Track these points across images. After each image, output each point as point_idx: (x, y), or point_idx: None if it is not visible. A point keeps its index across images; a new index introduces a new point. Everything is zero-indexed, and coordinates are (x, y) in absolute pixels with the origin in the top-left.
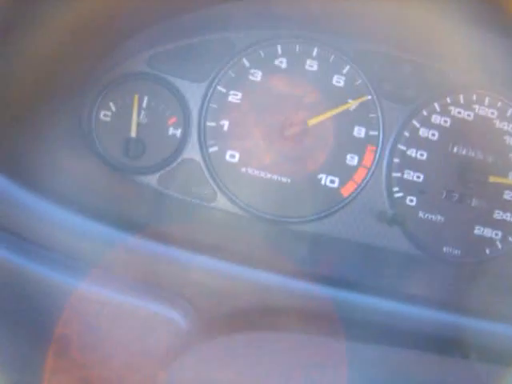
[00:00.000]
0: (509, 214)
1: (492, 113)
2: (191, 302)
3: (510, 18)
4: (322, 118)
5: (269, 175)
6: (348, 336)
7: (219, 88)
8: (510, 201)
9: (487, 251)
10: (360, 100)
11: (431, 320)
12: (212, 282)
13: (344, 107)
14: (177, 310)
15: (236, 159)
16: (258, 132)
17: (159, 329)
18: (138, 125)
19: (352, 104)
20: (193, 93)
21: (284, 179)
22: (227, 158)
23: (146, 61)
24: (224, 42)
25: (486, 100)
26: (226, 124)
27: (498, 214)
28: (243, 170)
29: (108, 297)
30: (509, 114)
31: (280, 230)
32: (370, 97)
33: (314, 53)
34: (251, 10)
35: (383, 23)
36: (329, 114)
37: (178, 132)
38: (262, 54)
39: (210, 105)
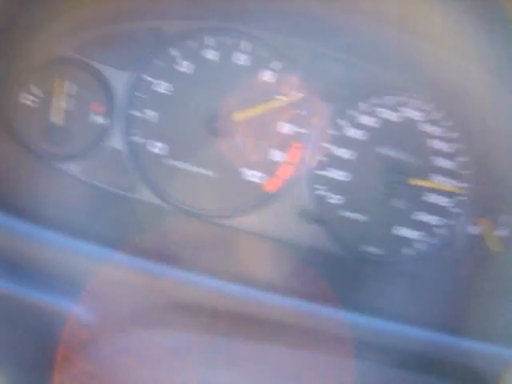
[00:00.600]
0: (429, 216)
1: (417, 115)
2: (97, 297)
3: (436, 24)
4: (248, 113)
5: (192, 168)
6: (252, 336)
7: (146, 77)
8: (430, 202)
9: (406, 251)
10: (290, 98)
11: (344, 320)
12: (120, 276)
13: (272, 104)
14: (82, 304)
15: (160, 150)
16: (183, 124)
17: (62, 323)
18: (62, 111)
19: (280, 101)
20: (119, 81)
21: (208, 172)
22: (151, 148)
23: (73, 46)
24: (152, 30)
25: (412, 102)
26: (151, 114)
27: (418, 215)
28: (167, 161)
29: (8, 290)
30: (434, 117)
31: (202, 223)
32: (298, 93)
33: (243, 46)
34: None
35: (315, 20)
36: (256, 110)
37: (102, 120)
38: (191, 45)
39: (136, 94)
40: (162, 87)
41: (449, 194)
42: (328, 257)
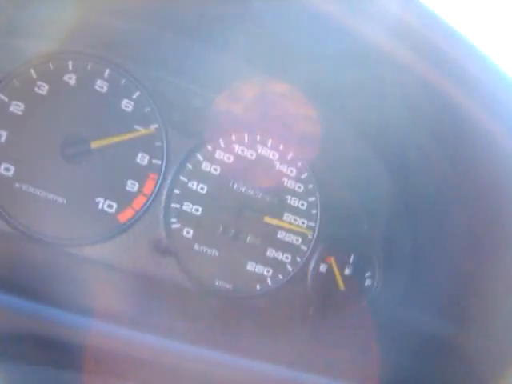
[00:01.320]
0: (280, 253)
1: (273, 154)
2: None
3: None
4: (106, 142)
5: (44, 193)
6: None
7: (1, 96)
8: (282, 240)
9: (258, 287)
10: (148, 131)
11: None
12: None
13: (131, 135)
14: None
15: (11, 173)
16: (37, 147)
17: None
18: None
19: (139, 134)
20: None
21: (60, 199)
22: (1, 170)
23: None
24: (13, 48)
25: (269, 141)
26: (3, 135)
27: (270, 252)
28: (17, 185)
29: None
30: (289, 157)
31: (52, 252)
32: (156, 125)
33: (106, 74)
34: (44, 20)
35: (177, 53)
36: (114, 139)
37: None
38: (52, 67)
39: None
40: (18, 108)
41: (299, 233)
42: (180, 290)
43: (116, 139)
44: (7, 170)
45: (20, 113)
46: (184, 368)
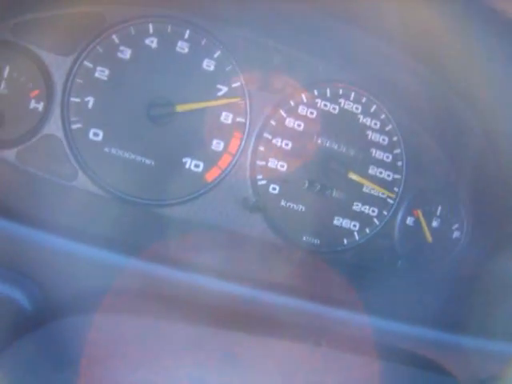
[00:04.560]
0: (367, 207)
1: (356, 108)
2: (37, 282)
3: (378, 18)
4: (192, 106)
5: (132, 156)
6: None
7: (86, 63)
8: (368, 194)
9: (345, 241)
10: (232, 101)
11: (287, 307)
12: (61, 262)
13: (216, 103)
14: (21, 289)
15: (100, 138)
16: (123, 111)
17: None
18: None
19: (225, 101)
20: (58, 66)
21: (148, 161)
22: (90, 136)
23: (11, 29)
24: (94, 15)
25: (352, 95)
26: (90, 101)
27: (356, 206)
28: (106, 149)
29: None
30: (372, 110)
31: (142, 212)
32: (238, 83)
33: (186, 35)
34: None
35: (257, 11)
36: (200, 105)
37: (41, 106)
38: (133, 32)
39: (76, 80)
40: (103, 74)
41: (385, 186)
42: (268, 245)
43: (201, 105)
44: (96, 134)
45: (105, 78)
46: (274, 317)
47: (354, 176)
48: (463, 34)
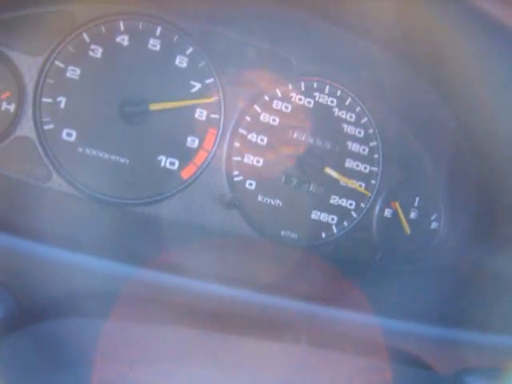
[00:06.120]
0: (344, 200)
1: (331, 101)
2: (9, 289)
3: (353, 14)
4: (165, 106)
5: (107, 155)
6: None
7: (57, 63)
8: (345, 187)
9: (323, 235)
10: (206, 100)
11: (265, 305)
12: (35, 267)
13: (189, 102)
14: None
15: (73, 138)
16: (96, 111)
17: None
18: None
19: (198, 101)
20: (29, 66)
21: (122, 160)
22: (63, 136)
23: None
24: (64, 14)
25: (327, 88)
26: (63, 101)
27: (334, 200)
28: (80, 149)
29: None
30: (347, 102)
31: (118, 212)
32: (212, 79)
33: (158, 32)
34: None
35: (229, 6)
36: (173, 104)
37: (12, 107)
38: (104, 30)
39: (47, 80)
40: (75, 73)
41: (362, 179)
42: (246, 241)
43: (175, 105)
44: (69, 135)
45: (77, 78)
46: (252, 315)
47: (329, 171)
48: (444, 30)
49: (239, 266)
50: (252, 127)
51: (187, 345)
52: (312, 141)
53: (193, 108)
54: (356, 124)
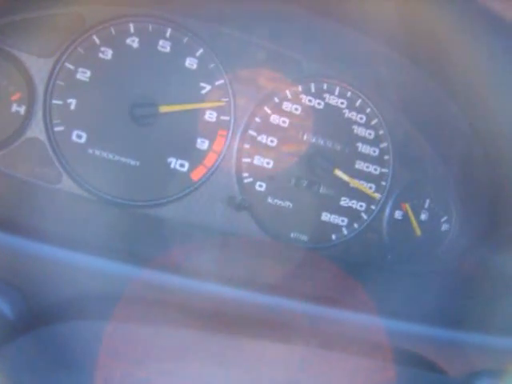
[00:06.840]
0: (354, 201)
1: (342, 102)
2: (20, 290)
3: (363, 14)
4: (175, 108)
5: (117, 157)
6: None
7: (67, 65)
8: (355, 188)
9: (333, 237)
10: (217, 104)
11: (274, 307)
12: (46, 269)
13: (200, 105)
14: (3, 298)
15: (83, 140)
16: (106, 112)
17: None
18: None
19: (208, 105)
20: (39, 68)
21: (132, 162)
22: (74, 138)
23: None
24: (74, 16)
25: (337, 90)
26: (73, 102)
27: (344, 201)
28: (90, 151)
29: None
30: (358, 104)
31: (128, 214)
32: (222, 81)
33: (168, 34)
34: None
35: (239, 7)
36: (182, 107)
37: (22, 109)
38: (114, 32)
39: (57, 82)
40: (85, 75)
41: (372, 180)
42: (256, 243)
43: (185, 107)
44: (79, 136)
45: (87, 79)
46: (262, 317)
47: (339, 174)
48: (448, 28)
49: (249, 268)
50: (262, 129)
51: (197, 346)
52: (322, 142)
53: (203, 110)
54: (366, 125)
